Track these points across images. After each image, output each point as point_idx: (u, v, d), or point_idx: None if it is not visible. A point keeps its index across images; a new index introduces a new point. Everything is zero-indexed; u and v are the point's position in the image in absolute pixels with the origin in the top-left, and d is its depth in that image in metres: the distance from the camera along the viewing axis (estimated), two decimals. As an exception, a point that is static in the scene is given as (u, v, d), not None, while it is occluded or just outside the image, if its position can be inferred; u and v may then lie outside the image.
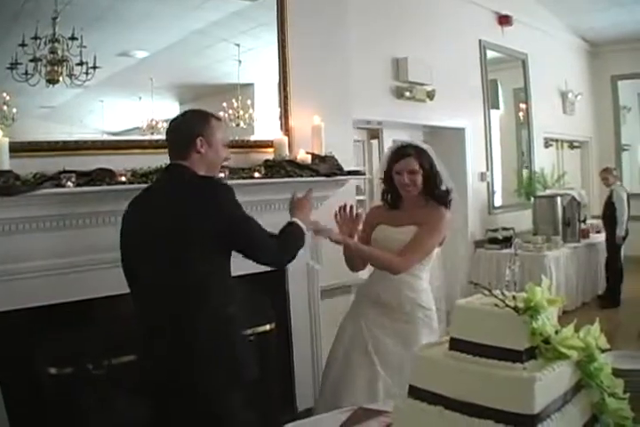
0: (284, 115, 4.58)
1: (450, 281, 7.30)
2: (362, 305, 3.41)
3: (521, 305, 1.59)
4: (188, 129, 2.73)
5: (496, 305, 1.59)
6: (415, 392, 1.68)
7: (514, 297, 1.61)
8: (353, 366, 3.27)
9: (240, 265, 2.81)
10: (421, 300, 3.29)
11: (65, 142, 3.52)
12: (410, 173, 3.27)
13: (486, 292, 1.65)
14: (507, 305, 1.57)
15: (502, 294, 1.62)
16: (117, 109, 3.90)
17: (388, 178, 3.42)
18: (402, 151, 3.35)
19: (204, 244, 2.56)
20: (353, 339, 3.33)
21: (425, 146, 3.43)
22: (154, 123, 3.96)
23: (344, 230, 3.32)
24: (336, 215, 3.39)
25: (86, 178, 3.29)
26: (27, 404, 3.24)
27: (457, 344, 1.66)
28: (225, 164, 3.08)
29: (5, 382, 3.22)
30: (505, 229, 7.68)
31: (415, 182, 3.28)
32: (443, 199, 3.33)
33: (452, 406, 1.59)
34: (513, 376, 1.52)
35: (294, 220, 2.92)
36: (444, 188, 3.35)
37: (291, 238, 2.85)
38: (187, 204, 2.57)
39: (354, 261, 3.45)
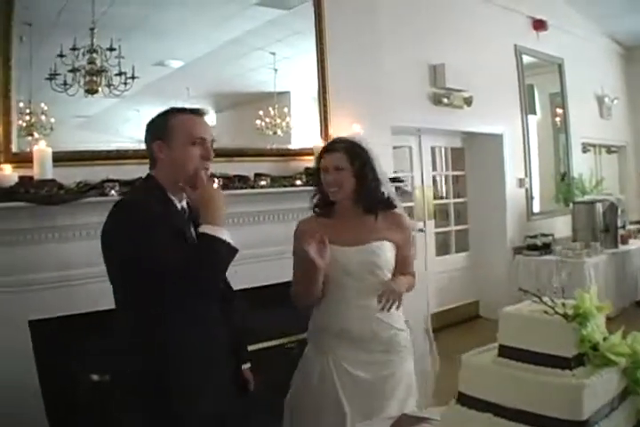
0: (324, 122, 4.60)
1: (489, 288, 7.33)
2: (324, 342, 2.78)
3: (570, 312, 1.56)
4: (147, 133, 2.36)
5: (545, 312, 1.57)
6: (463, 399, 1.66)
7: (563, 304, 1.58)
8: (322, 410, 2.71)
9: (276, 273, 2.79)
10: (397, 322, 2.81)
11: (108, 152, 3.56)
12: (335, 169, 2.73)
13: (536, 299, 1.62)
14: (556, 312, 1.55)
15: (552, 301, 1.60)
16: (153, 119, 3.92)
17: (317, 178, 2.88)
18: (329, 146, 2.85)
19: None
20: (322, 381, 2.74)
21: (362, 141, 2.88)
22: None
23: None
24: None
25: (129, 187, 3.30)
26: (67, 411, 3.26)
27: (505, 351, 1.64)
28: (213, 171, 2.62)
29: (47, 389, 3.26)
30: (544, 235, 7.58)
31: (341, 183, 2.73)
32: (379, 207, 2.82)
33: (501, 413, 1.58)
34: (561, 383, 1.51)
35: (201, 229, 2.19)
36: (382, 193, 2.83)
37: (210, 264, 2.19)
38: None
39: (313, 294, 2.75)
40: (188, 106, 2.38)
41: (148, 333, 2.18)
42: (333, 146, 2.82)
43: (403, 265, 2.85)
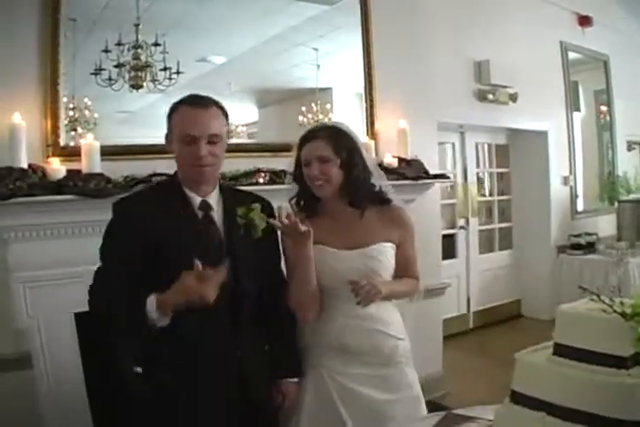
0: (370, 119, 4.58)
1: (532, 286, 7.26)
2: (315, 356, 2.48)
3: (628, 311, 1.53)
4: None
5: (603, 311, 1.54)
6: (517, 398, 1.64)
7: (621, 303, 1.55)
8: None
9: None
10: (397, 332, 2.53)
11: (154, 146, 3.57)
12: (319, 160, 2.40)
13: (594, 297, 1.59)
14: (614, 311, 1.52)
15: (610, 299, 1.56)
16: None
17: (298, 172, 2.52)
18: (309, 134, 2.48)
19: None
20: (317, 394, 2.46)
21: (345, 127, 2.54)
22: (233, 127, 3.97)
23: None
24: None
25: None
26: (109, 403, 3.28)
27: (561, 350, 1.62)
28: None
29: (90, 381, 3.30)
30: (588, 234, 7.47)
31: (328, 175, 2.40)
32: (371, 202, 2.52)
33: (555, 412, 1.57)
34: (617, 383, 1.49)
35: (152, 296, 2.04)
36: (373, 186, 2.54)
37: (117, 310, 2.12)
38: None
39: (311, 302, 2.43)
40: (192, 96, 2.30)
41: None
42: (314, 134, 2.47)
43: (403, 267, 2.54)
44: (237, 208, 2.25)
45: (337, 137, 2.45)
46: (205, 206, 2.27)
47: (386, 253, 2.47)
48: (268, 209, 2.36)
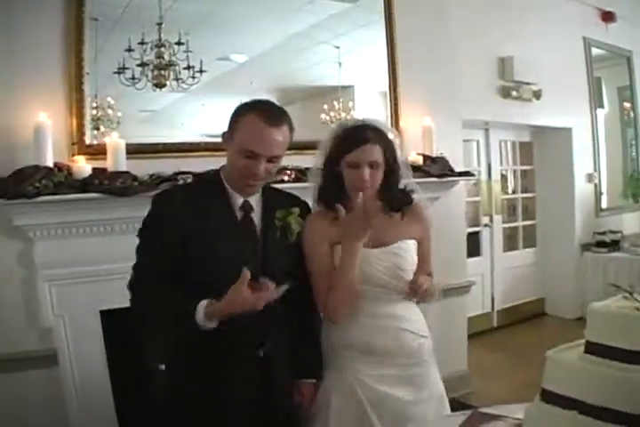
0: (395, 116, 4.57)
1: (556, 285, 7.20)
2: (342, 359, 2.42)
3: (661, 308, 1.51)
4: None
5: (637, 309, 1.52)
6: (548, 396, 1.62)
7: (655, 300, 1.53)
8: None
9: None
10: (421, 330, 2.50)
11: (180, 144, 3.60)
12: (370, 165, 2.34)
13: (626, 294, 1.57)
14: (648, 308, 1.50)
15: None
16: (218, 113, 3.94)
17: (332, 172, 2.42)
18: (359, 135, 2.37)
19: None
20: (345, 398, 2.38)
21: (386, 127, 2.52)
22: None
23: None
24: None
25: (202, 178, 3.33)
26: (135, 401, 3.30)
27: (593, 348, 1.59)
28: (286, 164, 2.42)
29: (115, 379, 3.32)
30: (612, 231, 7.41)
31: (376, 180, 2.37)
32: (401, 203, 2.47)
33: (586, 410, 1.54)
34: None
35: (202, 304, 2.02)
36: (403, 187, 2.51)
37: (159, 311, 2.11)
38: None
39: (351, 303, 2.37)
40: (268, 106, 2.21)
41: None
42: (364, 135, 2.36)
43: (422, 263, 2.50)
44: (277, 210, 2.26)
45: (386, 142, 2.40)
46: (247, 207, 2.25)
47: (410, 250, 2.45)
48: (305, 212, 2.37)
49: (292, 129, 2.23)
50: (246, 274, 1.98)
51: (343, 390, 2.38)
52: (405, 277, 2.39)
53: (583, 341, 1.64)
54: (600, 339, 1.58)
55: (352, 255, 2.29)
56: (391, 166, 2.40)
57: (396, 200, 2.43)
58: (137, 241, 2.23)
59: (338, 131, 2.44)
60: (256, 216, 2.27)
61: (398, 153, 2.47)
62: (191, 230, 2.11)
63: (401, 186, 2.49)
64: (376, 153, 2.34)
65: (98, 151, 3.27)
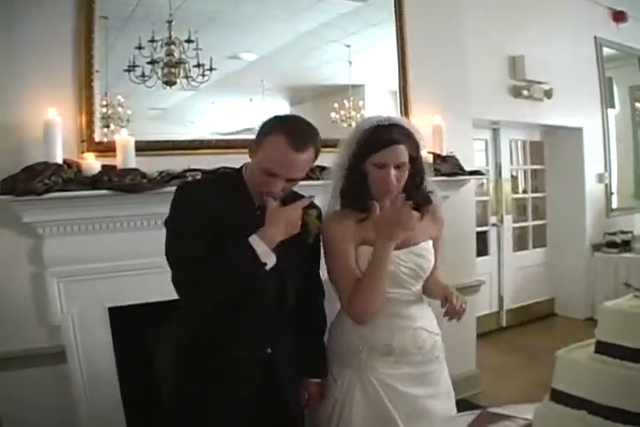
0: (405, 114, 4.55)
1: (566, 285, 7.17)
2: (363, 360, 2.40)
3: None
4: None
5: (648, 308, 1.51)
6: (557, 396, 1.61)
7: (666, 300, 1.52)
8: None
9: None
10: (435, 328, 2.53)
11: (190, 141, 3.61)
12: (398, 167, 2.32)
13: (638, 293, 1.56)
14: (659, 308, 1.49)
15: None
16: (228, 111, 3.96)
17: (357, 172, 2.38)
18: (387, 136, 2.32)
19: None
20: (367, 400, 2.38)
21: (412, 126, 2.45)
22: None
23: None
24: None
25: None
26: (142, 397, 3.31)
27: (603, 347, 1.58)
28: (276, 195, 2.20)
29: (123, 376, 3.33)
30: (623, 232, 7.37)
31: (401, 180, 2.35)
32: (424, 203, 2.47)
33: (596, 410, 1.53)
34: None
35: (253, 236, 2.07)
36: (426, 188, 2.49)
37: (218, 270, 2.05)
38: None
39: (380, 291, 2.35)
40: (299, 127, 2.17)
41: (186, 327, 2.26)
42: (391, 136, 2.32)
43: (436, 263, 2.52)
44: None
45: (412, 142, 2.37)
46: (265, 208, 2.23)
47: (430, 250, 2.47)
48: (319, 216, 2.38)
49: (317, 150, 2.21)
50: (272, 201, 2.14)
51: (365, 388, 2.38)
52: (425, 277, 2.45)
53: (594, 340, 1.63)
54: (610, 338, 1.57)
55: (385, 256, 2.28)
56: (417, 166, 2.39)
57: (420, 200, 2.41)
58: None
59: (363, 129, 2.38)
60: None
61: (423, 153, 2.47)
62: (219, 221, 2.10)
63: (427, 187, 2.48)
64: (403, 154, 2.31)
65: (107, 148, 3.28)
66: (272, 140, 2.11)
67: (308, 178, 3.60)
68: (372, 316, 2.35)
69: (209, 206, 2.10)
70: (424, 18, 4.65)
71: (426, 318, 2.50)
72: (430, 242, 2.48)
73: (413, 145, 2.36)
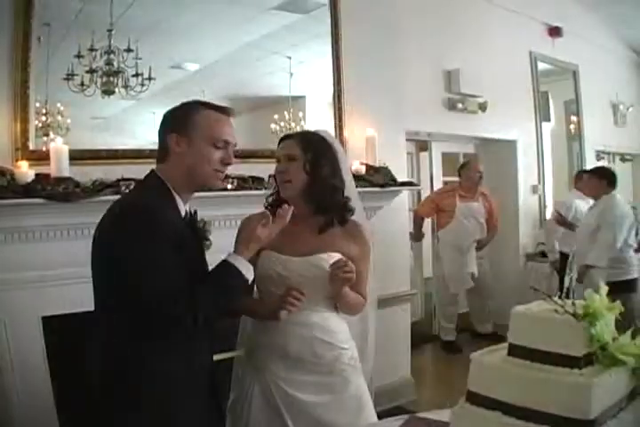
0: (339, 126, 4.61)
1: (501, 294, 7.29)
2: (260, 358, 2.48)
3: (580, 312, 1.57)
4: (164, 123, 2.21)
5: (555, 311, 1.58)
6: (473, 398, 1.67)
7: (573, 303, 1.60)
8: None
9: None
10: (341, 341, 2.51)
11: (124, 151, 3.59)
12: (287, 158, 2.44)
13: (546, 297, 1.63)
14: (566, 311, 1.56)
15: (561, 299, 1.61)
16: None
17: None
18: (286, 135, 2.58)
19: None
20: (264, 398, 2.45)
21: (326, 134, 2.58)
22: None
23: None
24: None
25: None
26: (77, 406, 3.29)
27: (515, 350, 1.65)
28: (229, 172, 2.38)
29: (58, 386, 3.30)
30: (557, 241, 7.54)
31: (290, 173, 2.43)
32: (335, 213, 2.48)
33: (510, 411, 1.59)
34: (570, 382, 1.52)
35: (230, 255, 2.13)
36: (342, 197, 2.51)
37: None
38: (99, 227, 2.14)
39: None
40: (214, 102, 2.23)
41: (121, 347, 2.06)
42: (289, 134, 2.57)
43: (354, 284, 2.42)
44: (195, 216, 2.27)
45: (308, 138, 2.48)
46: (191, 214, 2.25)
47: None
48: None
49: None
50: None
51: (262, 391, 2.43)
52: (324, 288, 2.41)
53: (507, 344, 1.70)
54: (522, 341, 1.64)
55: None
56: (312, 164, 2.42)
57: (328, 206, 2.47)
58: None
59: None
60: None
61: (341, 162, 2.52)
62: (179, 236, 2.08)
63: (344, 199, 2.51)
64: (292, 147, 2.45)
65: (42, 157, 3.23)
66: (202, 116, 2.16)
67: (242, 188, 3.67)
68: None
69: (169, 226, 2.05)
70: (360, 31, 4.70)
71: (332, 329, 2.49)
72: (335, 255, 2.42)
73: (311, 144, 2.45)
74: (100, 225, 2.12)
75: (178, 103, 2.25)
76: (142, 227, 1.98)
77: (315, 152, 2.43)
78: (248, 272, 2.10)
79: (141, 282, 1.94)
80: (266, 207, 2.55)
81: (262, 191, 3.71)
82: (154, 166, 2.60)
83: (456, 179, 6.91)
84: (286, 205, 2.28)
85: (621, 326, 1.66)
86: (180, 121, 2.16)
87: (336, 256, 2.41)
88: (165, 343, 2.05)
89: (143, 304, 1.94)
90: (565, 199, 7.01)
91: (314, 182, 2.42)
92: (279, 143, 2.52)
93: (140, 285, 1.94)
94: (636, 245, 6.09)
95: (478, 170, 6.49)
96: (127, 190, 3.20)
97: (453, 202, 6.49)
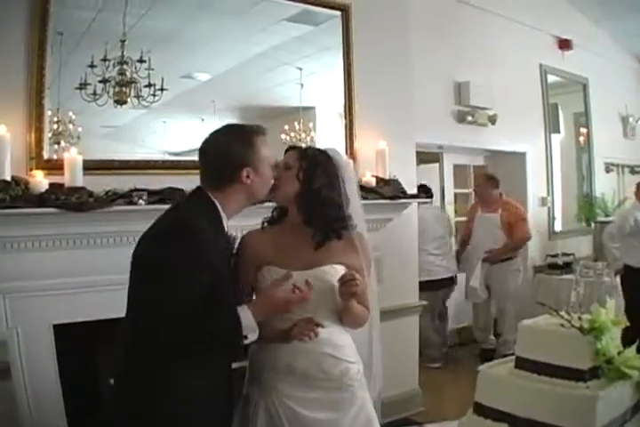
0: (350, 138, 4.63)
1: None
2: (266, 378, 2.39)
3: (586, 326, 1.59)
4: (231, 157, 2.22)
5: (562, 325, 1.60)
6: (480, 409, 1.69)
7: (579, 318, 1.61)
8: None
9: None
10: (348, 356, 2.43)
11: (136, 161, 3.62)
12: (283, 167, 2.42)
13: (553, 312, 1.65)
14: (572, 325, 1.58)
15: (568, 314, 1.63)
16: (179, 130, 3.98)
17: None
18: (289, 147, 2.57)
19: None
20: (269, 418, 2.35)
21: (332, 151, 2.51)
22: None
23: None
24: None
25: (157, 196, 3.35)
26: (87, 415, 3.30)
27: (522, 363, 1.68)
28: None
29: (68, 393, 3.32)
30: (565, 254, 7.53)
31: (280, 179, 2.39)
32: (326, 226, 2.39)
33: (517, 423, 1.61)
34: (576, 394, 1.55)
35: (243, 308, 2.13)
36: (338, 212, 2.41)
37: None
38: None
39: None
40: (244, 123, 2.38)
41: (144, 363, 2.08)
42: (294, 146, 2.66)
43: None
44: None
45: (307, 150, 2.49)
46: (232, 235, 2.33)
47: (336, 275, 2.34)
48: None
49: None
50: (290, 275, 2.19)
51: (268, 409, 2.35)
52: (330, 301, 2.38)
53: (514, 357, 1.72)
54: (529, 354, 1.66)
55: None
56: (305, 174, 2.38)
57: (326, 221, 2.39)
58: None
59: None
60: None
61: (345, 177, 2.44)
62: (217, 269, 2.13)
63: (338, 213, 2.42)
64: (290, 156, 2.45)
65: (56, 166, 3.26)
66: (259, 146, 2.25)
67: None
68: None
69: (210, 256, 2.08)
70: (371, 44, 4.73)
71: (338, 344, 2.43)
72: (337, 266, 2.38)
73: (307, 155, 2.43)
74: (143, 238, 2.18)
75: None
76: (182, 248, 2.02)
77: (310, 161, 2.40)
78: (252, 336, 2.13)
79: (158, 307, 1.99)
80: (269, 222, 2.54)
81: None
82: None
83: (467, 190, 6.92)
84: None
85: None
86: (249, 153, 2.22)
87: (340, 268, 2.37)
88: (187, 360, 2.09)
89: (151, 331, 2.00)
90: (623, 210, 6.97)
91: (304, 191, 2.38)
92: (284, 154, 2.52)
93: (156, 313, 2.00)
94: None
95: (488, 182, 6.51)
96: (140, 200, 3.24)
97: (475, 213, 6.62)
